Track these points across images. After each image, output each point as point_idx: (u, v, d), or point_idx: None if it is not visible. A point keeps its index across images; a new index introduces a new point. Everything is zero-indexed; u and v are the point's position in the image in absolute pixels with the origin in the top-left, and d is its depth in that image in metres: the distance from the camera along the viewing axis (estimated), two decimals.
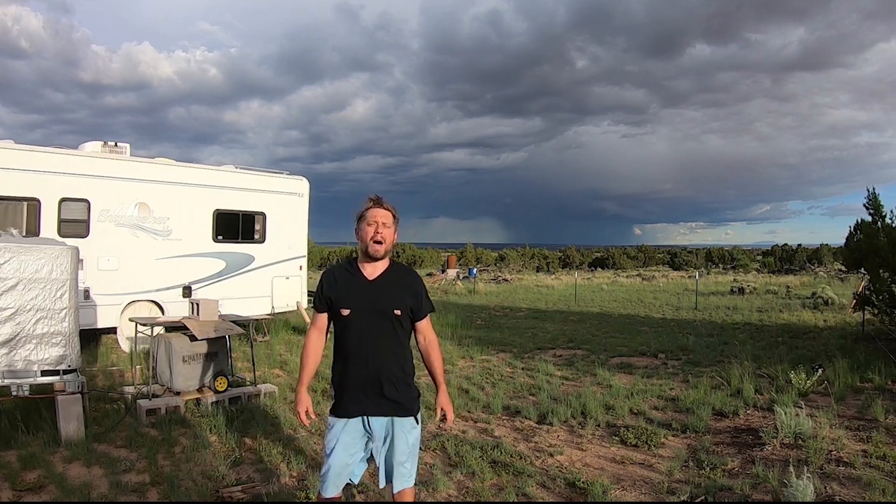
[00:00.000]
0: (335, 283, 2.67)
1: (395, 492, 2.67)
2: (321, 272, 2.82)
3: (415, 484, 2.75)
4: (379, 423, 2.64)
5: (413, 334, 2.78)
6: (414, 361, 2.81)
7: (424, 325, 2.77)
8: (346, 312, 2.61)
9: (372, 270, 2.65)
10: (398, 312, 2.62)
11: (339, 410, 2.66)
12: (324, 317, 2.72)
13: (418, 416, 2.74)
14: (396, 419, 2.65)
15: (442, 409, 2.73)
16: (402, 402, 2.65)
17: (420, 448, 4.62)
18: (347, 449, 2.64)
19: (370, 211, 2.63)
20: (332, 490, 2.64)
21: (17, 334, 4.73)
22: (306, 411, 2.67)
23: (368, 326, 2.60)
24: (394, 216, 2.66)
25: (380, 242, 2.60)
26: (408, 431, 2.67)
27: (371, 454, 2.70)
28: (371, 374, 2.60)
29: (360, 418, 2.64)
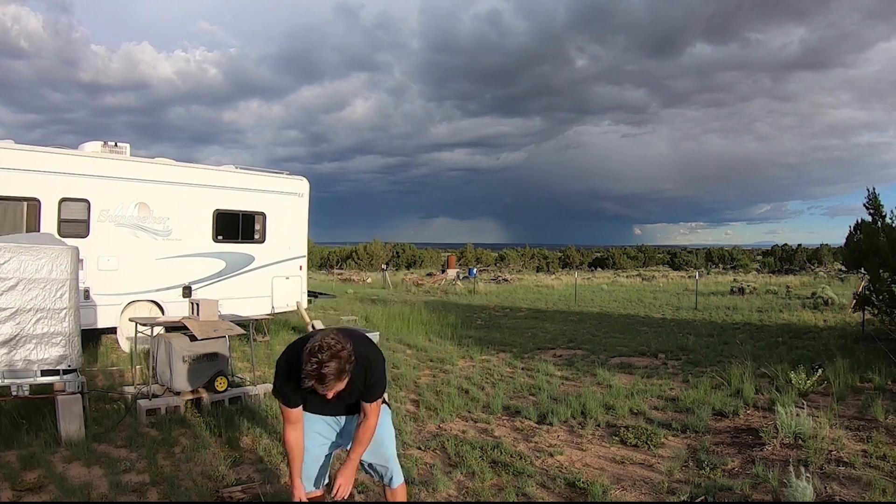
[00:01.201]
0: (294, 386, 2.50)
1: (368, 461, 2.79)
2: (279, 357, 2.68)
3: (405, 481, 2.83)
4: (352, 421, 2.79)
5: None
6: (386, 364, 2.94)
7: (368, 408, 2.63)
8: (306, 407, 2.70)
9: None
10: (353, 412, 2.76)
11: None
12: (296, 411, 2.60)
13: (388, 402, 2.88)
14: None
15: (338, 482, 2.55)
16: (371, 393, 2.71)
17: (419, 447, 4.63)
18: (315, 440, 2.68)
19: (317, 388, 2.40)
20: (308, 486, 2.66)
21: (18, 334, 4.73)
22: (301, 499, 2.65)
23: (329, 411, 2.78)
24: (346, 373, 2.42)
25: (336, 397, 2.53)
26: (384, 417, 2.81)
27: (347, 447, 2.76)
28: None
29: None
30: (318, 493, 2.69)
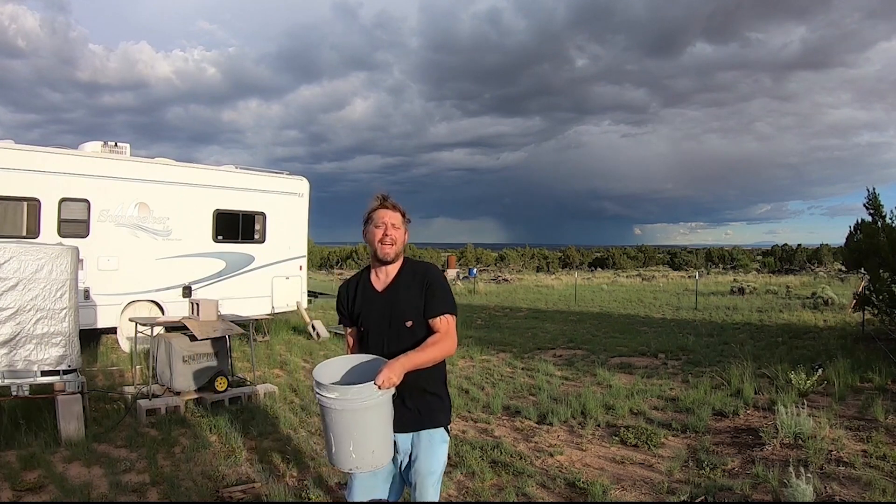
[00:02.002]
0: (347, 297, 2.57)
1: None
2: (337, 286, 2.74)
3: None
4: (403, 438, 2.42)
5: None
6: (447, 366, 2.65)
7: (438, 325, 2.41)
8: (362, 328, 2.52)
9: (384, 278, 2.50)
10: (409, 324, 2.41)
11: None
12: (352, 328, 2.61)
13: (448, 428, 2.50)
14: (422, 432, 2.43)
15: (384, 373, 2.18)
16: (426, 412, 2.42)
17: None
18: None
19: (377, 212, 2.47)
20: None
21: (18, 334, 4.73)
22: None
23: (386, 339, 2.43)
24: (403, 215, 2.51)
25: (390, 244, 2.44)
26: (436, 445, 2.44)
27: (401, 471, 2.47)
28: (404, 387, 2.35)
29: None
30: None
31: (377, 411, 2.18)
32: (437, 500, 2.45)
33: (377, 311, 2.46)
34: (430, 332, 2.42)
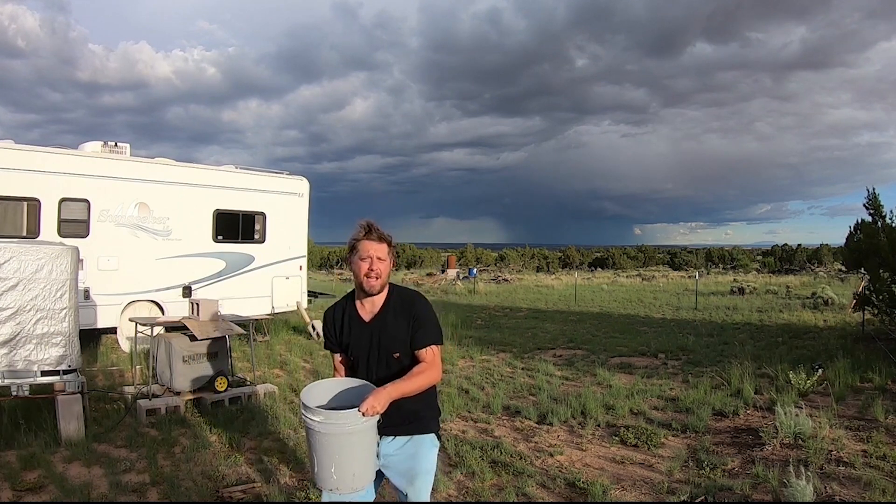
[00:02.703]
0: (335, 325, 2.57)
1: None
2: (323, 313, 2.70)
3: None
4: (391, 444, 2.45)
5: None
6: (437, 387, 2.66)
7: (424, 356, 2.45)
8: (351, 356, 2.55)
9: (370, 308, 2.51)
10: (397, 355, 2.45)
11: None
12: (340, 355, 2.61)
13: (438, 435, 2.55)
14: (413, 438, 2.47)
15: (368, 401, 2.23)
16: (415, 421, 2.47)
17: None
18: None
19: (362, 244, 2.45)
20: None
21: (18, 334, 4.73)
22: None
23: (374, 367, 2.48)
24: (389, 244, 2.49)
25: (375, 278, 2.44)
26: (427, 447, 2.49)
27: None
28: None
29: None
30: None
31: (360, 437, 2.24)
32: (427, 500, 2.49)
33: (365, 341, 2.50)
34: (417, 361, 2.47)
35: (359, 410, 2.19)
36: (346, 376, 2.58)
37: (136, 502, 3.72)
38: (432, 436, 2.54)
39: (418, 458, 2.48)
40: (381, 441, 2.43)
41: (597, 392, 6.40)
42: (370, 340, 2.48)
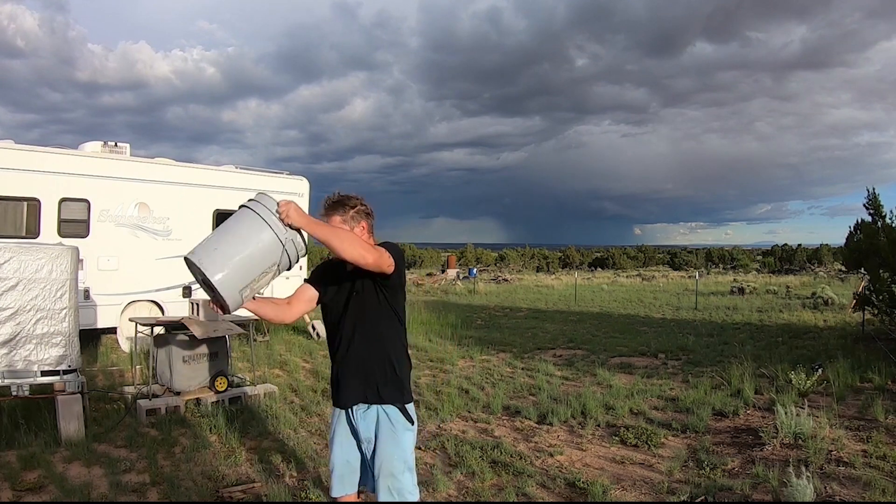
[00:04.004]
0: (321, 270, 2.65)
1: None
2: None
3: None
4: (364, 421, 2.47)
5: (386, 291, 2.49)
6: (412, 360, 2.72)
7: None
8: (325, 298, 2.57)
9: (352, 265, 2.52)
10: (365, 287, 2.47)
11: (333, 399, 2.59)
12: (305, 288, 2.61)
13: (411, 414, 2.50)
14: (384, 410, 2.45)
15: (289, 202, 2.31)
16: (370, 384, 2.44)
17: (419, 447, 4.63)
18: (343, 445, 2.54)
19: (323, 218, 2.50)
20: (339, 489, 2.54)
21: (18, 334, 4.73)
22: None
23: (346, 311, 2.51)
24: (341, 212, 2.48)
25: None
26: (399, 431, 2.44)
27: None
28: (352, 360, 2.48)
29: (346, 411, 2.52)
30: (350, 495, 2.56)
31: (254, 224, 2.22)
32: (415, 499, 2.47)
33: (340, 281, 2.54)
34: (391, 318, 2.51)
35: (277, 202, 2.25)
36: (290, 307, 2.59)
37: (136, 502, 3.72)
38: (398, 413, 2.46)
39: (385, 449, 2.43)
40: (355, 413, 2.47)
41: (597, 392, 6.40)
42: (345, 279, 2.51)
